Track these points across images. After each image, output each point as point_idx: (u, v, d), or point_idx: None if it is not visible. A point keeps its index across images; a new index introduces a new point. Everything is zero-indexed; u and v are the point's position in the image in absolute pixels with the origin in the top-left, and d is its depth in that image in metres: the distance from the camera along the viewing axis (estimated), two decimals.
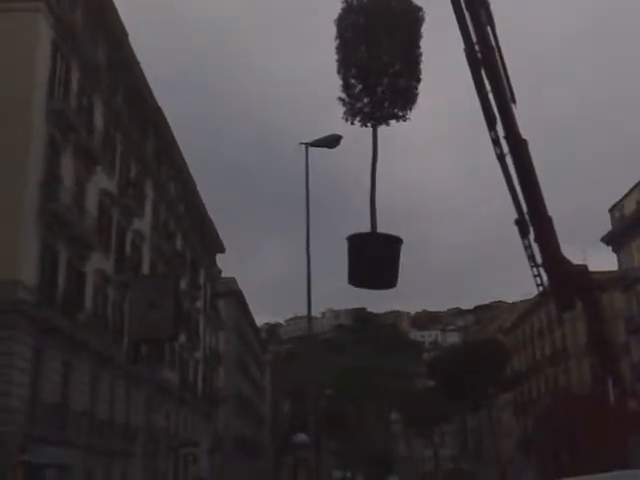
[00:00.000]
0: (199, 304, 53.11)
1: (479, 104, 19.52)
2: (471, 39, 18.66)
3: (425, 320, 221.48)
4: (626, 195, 53.50)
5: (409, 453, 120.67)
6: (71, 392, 27.82)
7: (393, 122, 11.31)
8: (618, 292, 54.12)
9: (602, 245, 56.64)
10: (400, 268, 11.46)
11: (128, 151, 36.85)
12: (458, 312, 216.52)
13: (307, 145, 19.97)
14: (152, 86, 38.64)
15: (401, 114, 11.25)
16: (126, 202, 35.61)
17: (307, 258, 20.12)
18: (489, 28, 18.65)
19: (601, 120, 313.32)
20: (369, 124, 11.23)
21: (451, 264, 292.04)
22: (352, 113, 11.22)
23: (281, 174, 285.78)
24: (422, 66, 11.17)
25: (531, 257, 21.69)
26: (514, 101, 19.60)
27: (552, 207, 21.12)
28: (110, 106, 33.78)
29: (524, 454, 62.56)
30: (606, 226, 56.37)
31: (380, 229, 11.33)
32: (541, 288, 22.45)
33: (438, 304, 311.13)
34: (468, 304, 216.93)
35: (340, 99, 11.33)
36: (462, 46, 18.90)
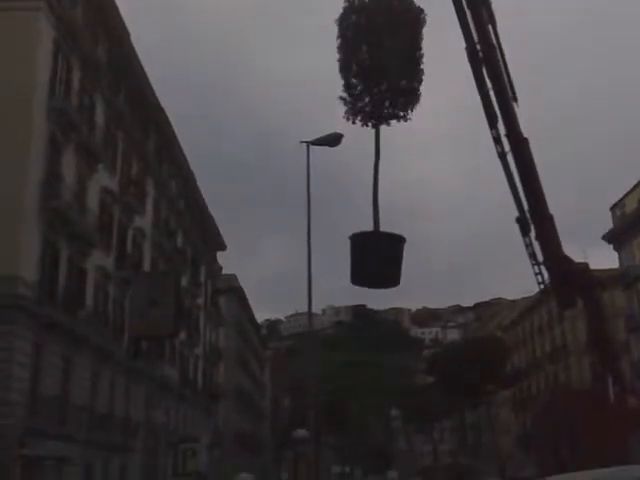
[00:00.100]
0: (200, 301, 53.18)
1: (480, 102, 19.56)
2: (472, 37, 18.69)
3: (425, 317, 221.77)
4: (627, 193, 53.47)
5: (408, 448, 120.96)
6: (71, 387, 27.91)
7: (394, 122, 11.33)
8: (619, 290, 54.14)
9: (603, 243, 56.67)
10: (403, 267, 11.46)
11: (129, 149, 36.87)
12: (458, 309, 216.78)
13: (308, 143, 20.00)
14: (153, 84, 38.68)
15: (402, 114, 11.26)
16: (127, 200, 35.65)
17: (308, 255, 20.18)
18: (490, 26, 18.67)
19: (603, 116, 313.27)
20: (370, 124, 11.25)
21: (451, 261, 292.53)
22: (353, 112, 11.24)
23: (282, 172, 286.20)
24: (423, 67, 11.19)
25: (532, 255, 21.74)
26: (515, 99, 19.63)
27: (553, 205, 21.18)
28: (111, 104, 33.79)
29: (523, 450, 62.71)
30: (607, 224, 56.44)
31: (382, 227, 11.33)
32: (542, 286, 22.51)
33: (438, 301, 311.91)
34: (468, 301, 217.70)
35: (341, 98, 11.35)
36: (463, 44, 18.93)
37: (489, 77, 19.05)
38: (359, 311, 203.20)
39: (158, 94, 39.61)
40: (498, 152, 20.27)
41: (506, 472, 65.51)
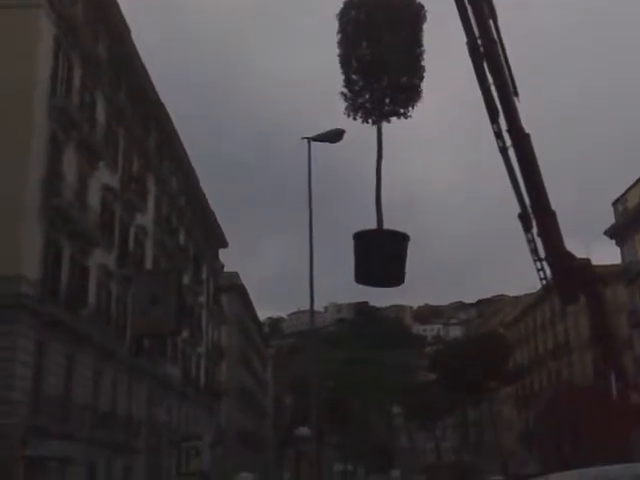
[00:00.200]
0: (202, 299, 53.15)
1: (481, 97, 19.52)
2: (473, 32, 18.65)
3: (427, 314, 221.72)
4: (630, 188, 53.37)
5: (411, 446, 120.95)
6: (74, 385, 27.89)
7: (395, 119, 11.25)
8: (621, 285, 54.08)
9: (605, 238, 56.61)
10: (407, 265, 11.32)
11: (130, 146, 36.84)
12: (460, 306, 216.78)
13: (309, 140, 19.95)
14: (154, 81, 38.64)
15: (402, 111, 11.17)
16: (129, 197, 35.62)
17: (310, 252, 20.11)
18: (491, 21, 18.63)
19: (605, 112, 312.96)
20: (370, 120, 11.17)
21: (453, 258, 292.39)
22: (354, 109, 11.18)
23: (283, 171, 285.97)
24: (424, 63, 11.10)
25: (534, 251, 21.70)
26: (516, 94, 19.58)
27: (555, 200, 21.13)
28: (112, 102, 33.76)
29: (526, 447, 62.68)
30: (609, 219, 56.36)
31: (383, 224, 11.21)
32: (544, 282, 22.47)
33: (440, 298, 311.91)
34: (470, 298, 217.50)
35: (342, 94, 11.29)
36: (464, 39, 18.88)
37: (490, 72, 19.01)
38: (361, 308, 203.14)
39: (159, 91, 39.64)
40: (499, 147, 20.23)
41: (509, 469, 65.53)
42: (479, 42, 18.67)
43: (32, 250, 24.93)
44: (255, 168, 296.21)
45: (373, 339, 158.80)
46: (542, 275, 22.03)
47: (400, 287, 11.76)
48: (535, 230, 21.49)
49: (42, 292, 25.24)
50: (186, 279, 45.71)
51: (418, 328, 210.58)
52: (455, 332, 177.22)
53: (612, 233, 55.64)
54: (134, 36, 34.87)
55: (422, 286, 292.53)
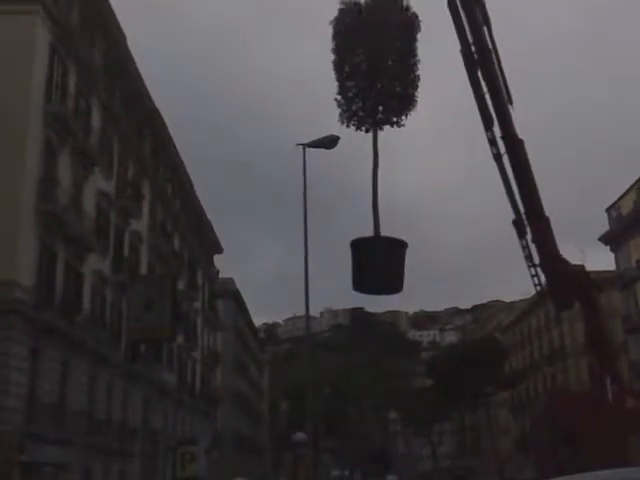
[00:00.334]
0: (197, 304, 53.11)
1: (476, 105, 19.59)
2: (467, 40, 18.73)
3: (423, 320, 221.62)
4: (623, 195, 53.55)
5: (407, 451, 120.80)
6: (69, 391, 27.83)
7: (388, 127, 11.17)
8: (616, 291, 54.17)
9: (600, 244, 56.75)
10: (405, 272, 11.11)
11: (125, 152, 36.85)
12: (456, 311, 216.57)
13: (304, 146, 19.97)
14: (149, 87, 38.70)
15: (395, 120, 11.12)
16: (123, 203, 35.60)
17: (305, 258, 20.12)
18: (485, 29, 18.71)
19: (601, 119, 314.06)
20: (363, 128, 11.11)
21: (449, 264, 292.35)
22: (347, 116, 11.14)
23: (278, 176, 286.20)
24: (419, 73, 11.04)
25: (528, 257, 21.80)
26: (511, 101, 19.68)
27: (550, 206, 21.22)
28: (107, 108, 33.77)
29: (522, 452, 62.68)
30: (604, 225, 56.50)
31: (381, 231, 11.09)
32: (539, 288, 22.54)
33: (436, 304, 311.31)
34: (465, 303, 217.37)
35: (336, 100, 11.27)
36: (459, 47, 18.96)
37: (484, 79, 19.09)
38: (357, 314, 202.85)
39: (154, 96, 39.71)
40: (494, 154, 20.33)
41: (505, 474, 65.52)
42: (473, 49, 18.74)
43: (27, 256, 24.90)
44: (253, 170, 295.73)
45: (369, 345, 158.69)
46: (537, 281, 22.14)
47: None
48: (529, 236, 21.57)
49: (37, 298, 25.18)
50: (181, 285, 45.67)
51: (414, 334, 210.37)
52: (451, 338, 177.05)
53: (606, 239, 55.77)
54: (129, 42, 34.97)
55: (418, 292, 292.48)
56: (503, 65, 19.07)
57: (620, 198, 54.04)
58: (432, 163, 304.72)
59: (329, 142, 19.49)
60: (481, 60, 18.81)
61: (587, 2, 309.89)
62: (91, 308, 30.96)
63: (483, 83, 19.12)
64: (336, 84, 11.19)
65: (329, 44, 11.20)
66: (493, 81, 19.05)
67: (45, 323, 25.42)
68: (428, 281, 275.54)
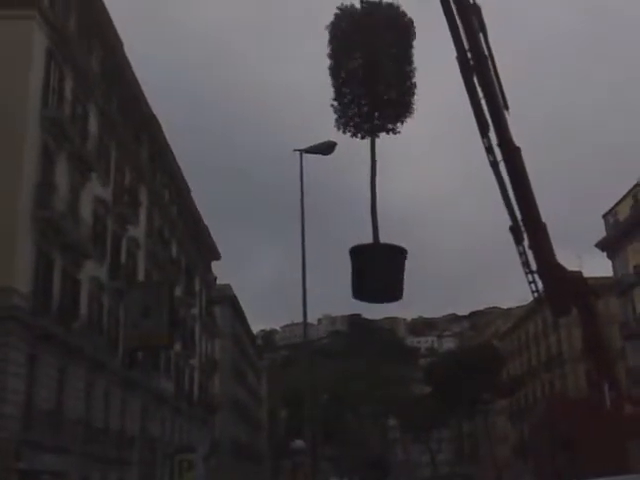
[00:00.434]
0: (194, 311, 53.01)
1: (472, 111, 19.61)
2: (464, 47, 18.77)
3: (421, 326, 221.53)
4: (620, 201, 53.62)
5: (406, 458, 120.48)
6: (66, 399, 27.74)
7: (384, 134, 11.11)
8: (613, 297, 54.17)
9: (597, 251, 56.78)
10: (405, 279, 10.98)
11: (122, 158, 36.84)
12: (454, 318, 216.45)
13: (301, 152, 19.96)
14: (146, 93, 38.73)
15: (391, 127, 11.08)
16: (121, 209, 35.57)
17: (302, 265, 20.08)
18: (481, 35, 18.75)
19: (596, 125, 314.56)
20: (359, 135, 11.06)
21: (446, 270, 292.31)
22: (344, 122, 11.10)
23: (277, 181, 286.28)
24: (415, 80, 11.01)
25: (525, 264, 21.79)
26: (507, 108, 19.71)
27: (547, 212, 21.23)
28: (104, 113, 33.78)
29: (521, 459, 62.56)
30: (600, 232, 56.53)
31: (380, 238, 11.02)
32: (536, 294, 22.54)
33: (434, 310, 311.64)
34: (463, 310, 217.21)
35: (332, 106, 11.24)
36: (455, 54, 18.99)
37: (480, 86, 19.12)
38: (355, 321, 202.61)
39: (151, 102, 39.73)
40: (490, 161, 20.35)
41: None
42: (469, 56, 18.77)
43: (24, 262, 24.84)
44: (250, 176, 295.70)
45: (367, 351, 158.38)
46: (534, 287, 22.13)
47: None
48: (526, 243, 21.58)
49: (34, 305, 25.12)
50: (178, 291, 45.60)
51: (412, 340, 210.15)
52: (449, 344, 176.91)
53: (603, 246, 55.80)
54: (127, 48, 35.02)
55: (416, 298, 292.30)
56: (499, 71, 19.13)
57: (617, 204, 54.13)
58: (428, 170, 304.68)
59: (326, 148, 19.48)
60: (477, 66, 18.84)
61: (587, 2, 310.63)
62: (88, 315, 30.89)
63: (479, 89, 19.15)
64: (332, 90, 11.18)
65: (325, 49, 11.21)
66: (489, 87, 19.08)
67: (42, 330, 25.35)
68: (426, 288, 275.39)
